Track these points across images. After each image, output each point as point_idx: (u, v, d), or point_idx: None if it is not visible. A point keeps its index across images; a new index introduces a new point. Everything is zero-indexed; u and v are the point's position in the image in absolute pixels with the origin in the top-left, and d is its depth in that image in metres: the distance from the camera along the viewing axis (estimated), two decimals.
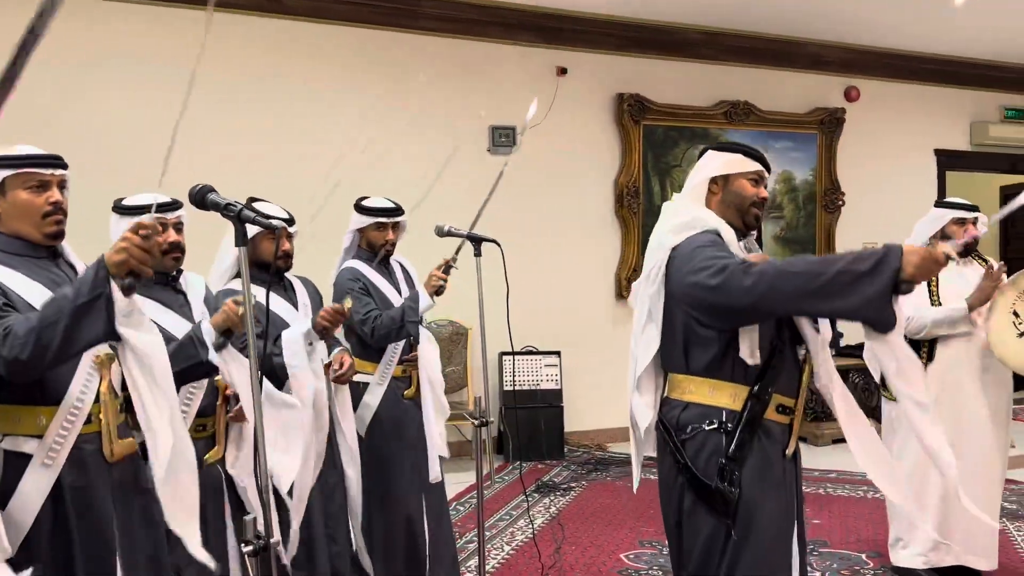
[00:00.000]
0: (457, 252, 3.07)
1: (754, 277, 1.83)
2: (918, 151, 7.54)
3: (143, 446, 2.12)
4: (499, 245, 2.87)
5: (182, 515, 1.75)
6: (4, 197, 1.89)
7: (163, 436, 1.72)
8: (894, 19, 6.42)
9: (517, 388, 5.81)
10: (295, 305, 2.90)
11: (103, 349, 1.89)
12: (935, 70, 7.44)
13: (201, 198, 1.77)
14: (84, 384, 1.87)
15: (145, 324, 1.75)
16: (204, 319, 2.23)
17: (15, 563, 1.70)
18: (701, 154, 2.22)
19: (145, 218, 1.67)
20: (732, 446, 1.96)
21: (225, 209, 1.73)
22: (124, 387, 1.93)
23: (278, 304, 2.82)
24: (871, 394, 6.49)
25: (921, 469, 3.35)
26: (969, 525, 3.31)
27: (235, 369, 2.18)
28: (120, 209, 2.35)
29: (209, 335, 2.16)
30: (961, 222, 3.37)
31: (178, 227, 2.36)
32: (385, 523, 3.17)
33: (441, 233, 2.96)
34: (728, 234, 2.06)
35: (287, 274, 2.97)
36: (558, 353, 6.00)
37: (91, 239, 2.29)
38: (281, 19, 5.46)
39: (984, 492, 3.28)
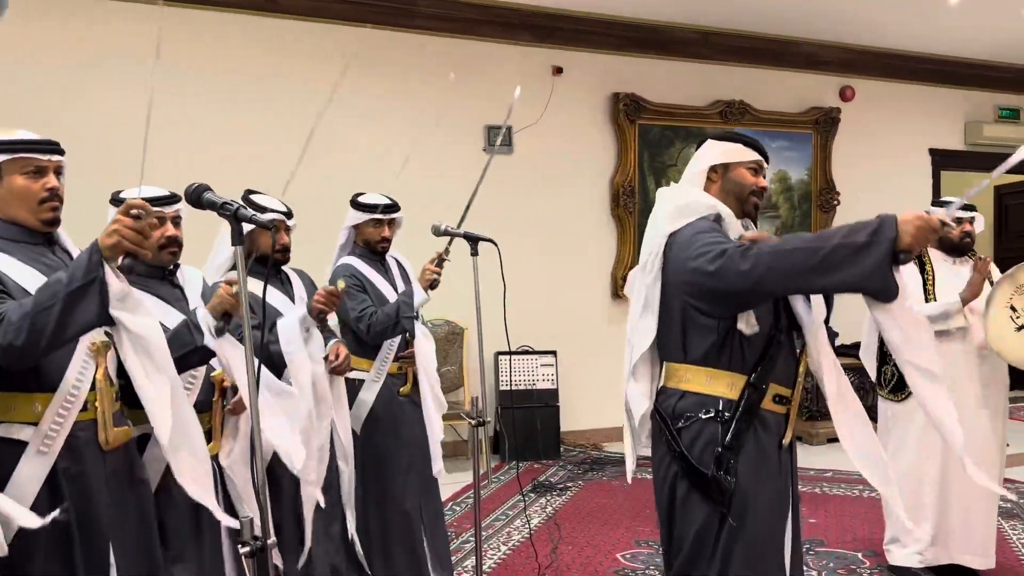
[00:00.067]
0: (449, 245, 3.06)
1: (751, 260, 1.82)
2: (913, 151, 7.56)
3: (140, 439, 2.13)
4: (496, 244, 2.87)
5: (195, 488, 1.79)
6: (0, 182, 1.88)
7: (162, 418, 1.73)
8: (889, 19, 6.43)
9: (513, 388, 5.80)
10: (292, 298, 2.89)
11: (99, 336, 1.89)
12: (930, 70, 7.46)
13: (197, 197, 1.76)
14: (80, 371, 1.86)
15: (141, 308, 1.75)
16: (199, 306, 2.22)
17: (13, 550, 1.70)
18: (700, 144, 2.22)
19: (132, 197, 1.66)
20: (728, 435, 1.96)
21: (221, 208, 1.72)
22: (120, 374, 1.93)
23: (275, 297, 2.80)
24: (866, 394, 6.49)
25: (917, 468, 3.36)
26: (966, 524, 3.32)
27: (233, 357, 2.16)
28: (118, 203, 2.33)
29: (204, 320, 2.14)
30: (958, 221, 3.38)
31: (176, 221, 2.35)
32: (383, 521, 3.16)
33: (438, 232, 2.96)
34: (727, 214, 2.06)
35: (283, 267, 2.96)
36: (554, 353, 6.00)
37: (91, 238, 2.27)
38: (279, 19, 5.45)
39: (982, 489, 3.29)
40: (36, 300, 1.68)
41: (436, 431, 3.16)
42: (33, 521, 1.67)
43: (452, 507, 4.66)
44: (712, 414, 1.99)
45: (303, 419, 2.48)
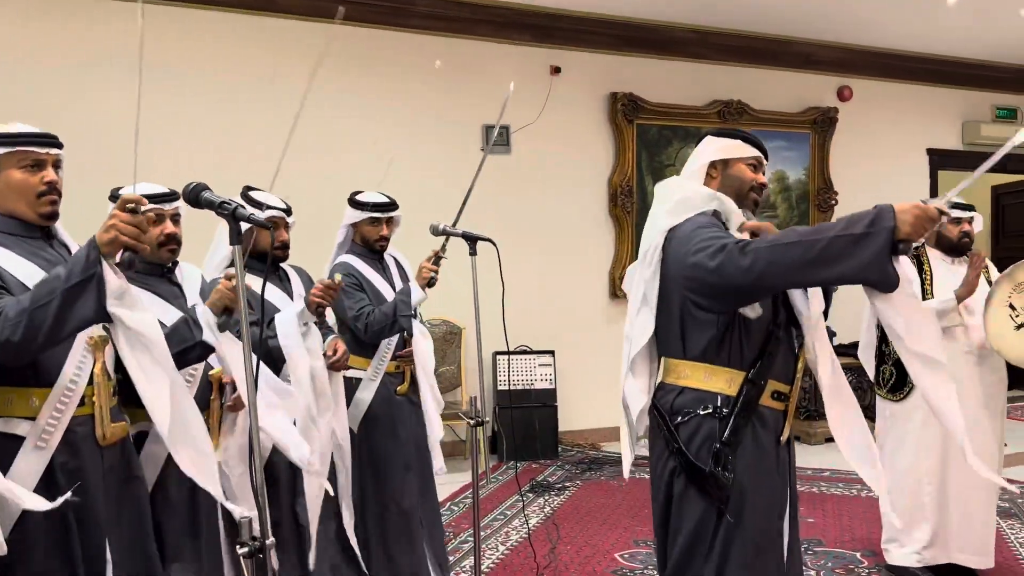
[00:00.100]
0: (445, 243, 3.06)
1: (751, 256, 1.82)
2: (911, 150, 7.56)
3: (137, 437, 2.12)
4: (494, 244, 2.86)
5: (199, 474, 1.80)
6: None
7: (161, 413, 1.73)
8: (887, 19, 6.44)
9: (511, 388, 5.79)
10: (290, 295, 2.88)
11: (97, 331, 1.89)
12: (927, 70, 7.47)
13: (195, 196, 1.75)
14: (78, 366, 1.85)
15: (138, 304, 1.75)
16: (200, 304, 2.21)
17: (12, 546, 1.70)
18: (699, 140, 2.22)
19: (128, 192, 1.66)
20: (727, 431, 1.96)
21: (219, 207, 1.72)
22: (118, 369, 1.92)
23: (273, 293, 2.80)
24: (864, 393, 6.49)
25: (915, 468, 3.36)
26: (964, 523, 3.32)
27: (232, 354, 2.16)
28: (116, 199, 2.32)
29: (204, 316, 2.14)
30: (957, 221, 3.38)
31: (175, 219, 2.34)
32: (383, 521, 3.15)
33: (436, 232, 2.95)
34: (728, 205, 2.06)
35: (282, 264, 2.95)
36: (552, 352, 5.99)
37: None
38: (275, 18, 5.44)
39: (981, 488, 3.29)
40: (33, 296, 1.67)
41: (436, 430, 3.16)
42: (40, 504, 1.67)
43: (450, 507, 4.66)
44: (710, 410, 1.99)
45: (302, 415, 2.47)
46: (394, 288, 3.28)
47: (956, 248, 3.40)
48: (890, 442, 3.45)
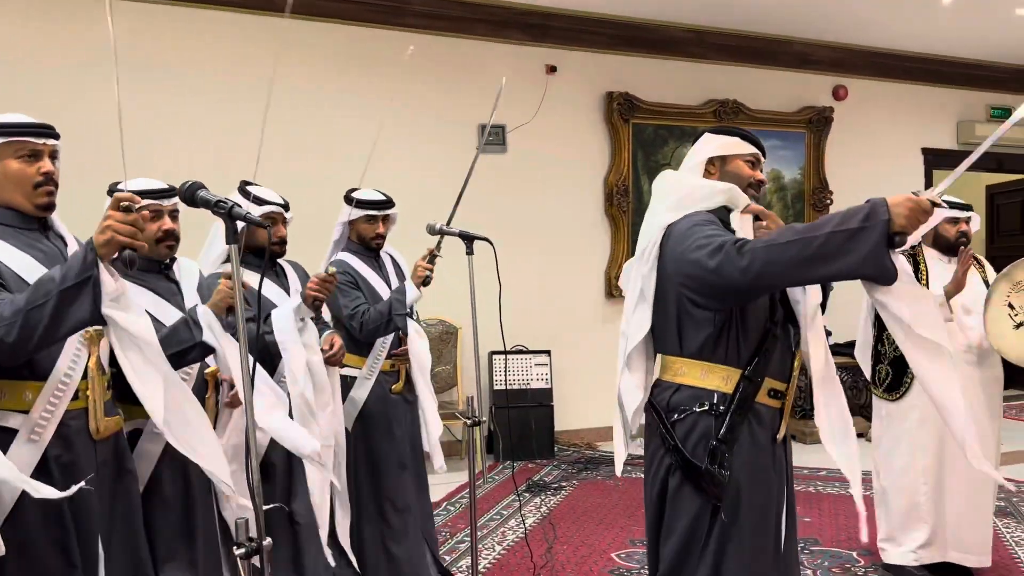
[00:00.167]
0: (440, 241, 3.06)
1: (748, 256, 1.82)
2: (906, 150, 7.58)
3: (131, 434, 2.11)
4: (491, 243, 2.86)
5: (208, 466, 1.81)
6: None
7: (156, 410, 1.73)
8: (882, 18, 6.45)
9: (507, 387, 5.79)
10: (287, 290, 2.87)
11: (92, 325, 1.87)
12: (922, 69, 7.48)
13: (191, 195, 1.75)
14: (72, 360, 1.84)
15: (133, 306, 1.74)
16: (201, 304, 2.20)
17: (7, 538, 1.69)
18: (697, 138, 2.22)
19: (121, 191, 1.65)
20: (723, 429, 1.96)
21: (215, 206, 1.71)
22: (112, 362, 1.91)
23: (270, 289, 2.79)
24: (859, 392, 6.52)
25: (911, 467, 3.36)
26: (962, 522, 3.32)
27: (230, 351, 2.15)
28: (113, 193, 2.31)
29: (204, 317, 2.13)
30: (954, 221, 3.38)
31: (173, 215, 2.32)
32: (381, 521, 3.15)
33: (433, 231, 2.94)
34: (735, 192, 2.06)
35: (278, 260, 2.93)
36: (548, 352, 5.99)
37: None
38: (276, 17, 5.43)
39: (979, 487, 3.30)
40: (29, 297, 1.66)
41: (434, 429, 3.16)
42: (52, 492, 1.66)
43: (446, 507, 4.65)
44: (706, 407, 1.99)
45: (297, 404, 2.46)
46: (390, 286, 3.27)
47: (953, 247, 3.40)
48: (886, 441, 3.45)
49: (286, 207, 2.83)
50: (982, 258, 3.58)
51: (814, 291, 2.04)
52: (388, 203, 3.26)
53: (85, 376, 1.87)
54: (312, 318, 2.68)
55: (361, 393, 3.16)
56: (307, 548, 2.76)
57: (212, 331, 2.13)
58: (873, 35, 6.88)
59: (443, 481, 4.39)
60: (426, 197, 4.93)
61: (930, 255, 3.43)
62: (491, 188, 5.68)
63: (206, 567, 2.26)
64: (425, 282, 3.09)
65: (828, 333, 2.24)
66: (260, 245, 2.73)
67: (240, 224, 1.71)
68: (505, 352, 5.78)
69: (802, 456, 5.51)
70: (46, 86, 4.77)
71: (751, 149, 2.16)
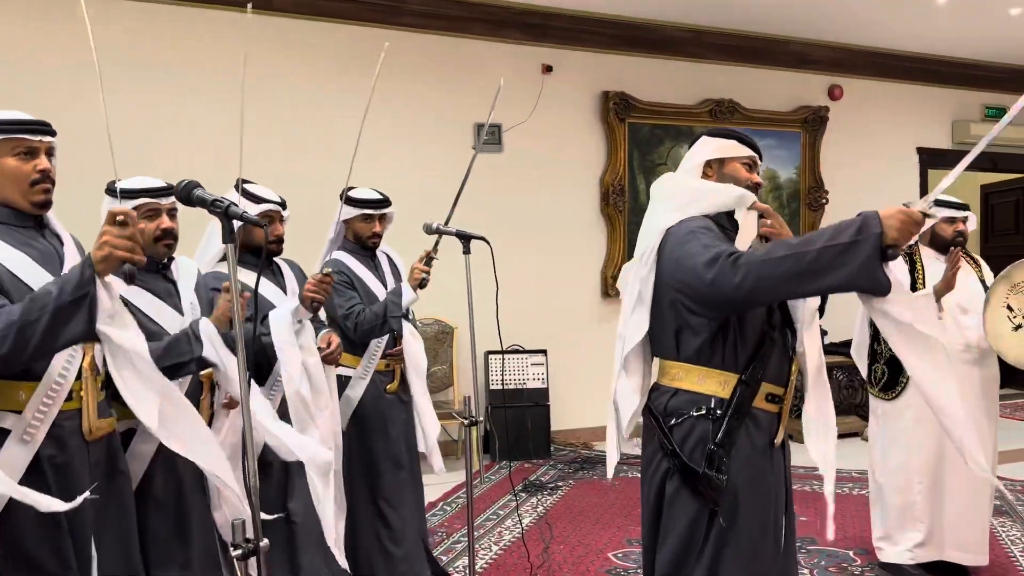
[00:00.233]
0: (437, 243, 3.05)
1: (742, 271, 1.82)
2: (901, 149, 7.59)
3: (125, 434, 2.10)
4: (488, 243, 2.85)
5: (209, 467, 1.81)
6: None
7: (149, 419, 1.73)
8: (878, 18, 6.46)
9: (504, 387, 5.78)
10: (284, 289, 2.86)
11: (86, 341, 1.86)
12: (918, 69, 7.49)
13: (187, 194, 1.73)
14: (67, 360, 1.83)
15: (129, 323, 1.74)
16: (203, 318, 2.19)
17: (3, 543, 1.69)
18: (694, 140, 2.22)
19: (118, 202, 1.65)
20: (720, 433, 1.96)
21: (212, 205, 1.69)
22: (106, 363, 1.90)
23: (267, 289, 2.78)
24: (855, 391, 6.52)
25: (907, 466, 3.37)
26: (959, 521, 3.33)
27: (231, 367, 2.14)
28: (112, 192, 2.30)
29: (206, 330, 2.12)
30: (951, 220, 3.38)
31: (171, 213, 2.30)
32: (379, 521, 3.14)
33: (430, 231, 2.94)
34: (743, 195, 2.06)
35: (275, 258, 2.92)
36: (544, 352, 5.98)
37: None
38: (276, 17, 5.42)
39: (978, 486, 3.30)
40: (24, 310, 1.65)
41: (432, 431, 3.15)
42: (59, 505, 1.65)
43: (442, 507, 4.64)
44: (704, 411, 1.99)
45: (294, 403, 2.46)
46: (386, 286, 3.26)
47: (950, 247, 3.40)
48: (882, 441, 3.45)
49: (283, 205, 2.82)
50: (978, 257, 3.59)
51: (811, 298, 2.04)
52: (384, 202, 3.25)
53: (79, 377, 1.86)
54: (310, 319, 2.67)
55: (356, 393, 3.15)
56: (303, 548, 2.75)
57: (213, 345, 2.12)
58: (868, 35, 6.89)
59: (440, 481, 4.38)
60: (423, 196, 4.93)
61: (926, 254, 3.43)
62: (487, 188, 5.67)
63: (203, 568, 2.24)
64: (421, 284, 3.09)
65: (824, 332, 2.25)
66: (257, 244, 2.72)
67: (237, 223, 1.69)
68: (502, 352, 5.77)
69: (798, 455, 5.49)
70: (46, 86, 4.76)
71: (748, 152, 2.16)
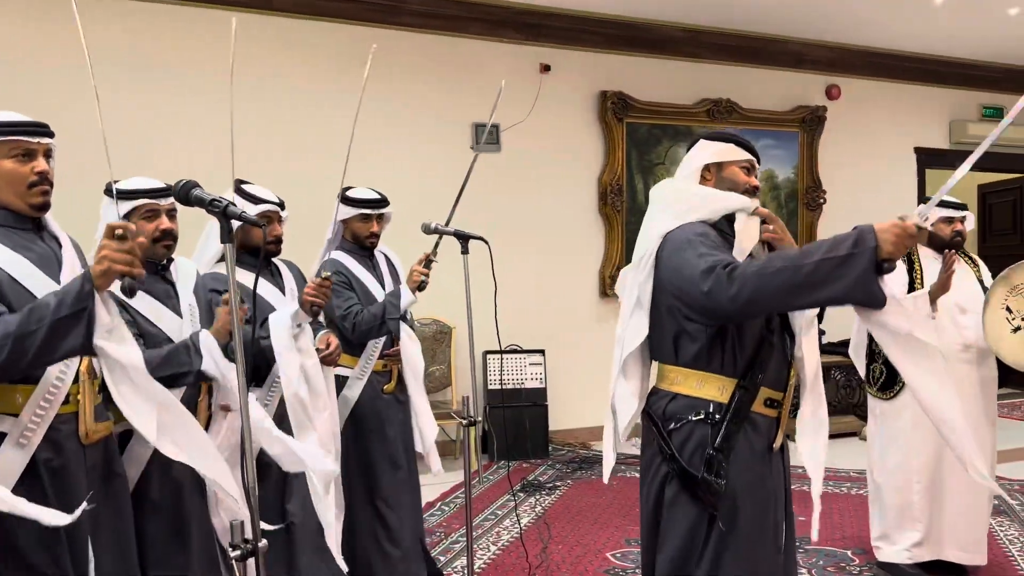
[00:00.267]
0: (436, 246, 3.05)
1: (738, 283, 1.83)
2: (898, 149, 7.60)
3: (122, 436, 2.09)
4: (487, 243, 2.85)
5: (211, 474, 1.81)
6: None
7: (147, 431, 1.72)
8: (876, 18, 6.46)
9: (502, 387, 5.78)
10: (282, 290, 2.85)
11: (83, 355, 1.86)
12: (915, 69, 7.50)
13: (185, 194, 1.73)
14: (64, 364, 1.82)
15: (127, 338, 1.73)
16: (204, 330, 2.17)
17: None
18: (691, 144, 2.22)
19: (114, 219, 1.65)
20: (719, 438, 1.97)
21: (210, 205, 1.69)
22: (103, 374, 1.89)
23: (266, 289, 2.77)
24: (853, 391, 6.53)
25: (905, 466, 3.37)
26: (958, 521, 3.33)
27: (231, 380, 2.14)
28: (110, 192, 2.29)
29: (206, 343, 2.11)
30: (949, 220, 3.38)
31: (171, 214, 2.28)
32: (378, 522, 3.14)
33: (428, 231, 2.93)
34: (742, 200, 2.06)
35: (273, 259, 2.91)
36: (542, 352, 5.98)
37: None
38: (276, 17, 5.42)
39: (978, 487, 3.30)
40: (22, 321, 1.64)
41: (429, 433, 3.15)
42: (61, 519, 1.64)
43: (441, 507, 4.64)
44: (702, 416, 1.99)
45: (292, 406, 2.45)
46: (383, 286, 3.26)
47: (948, 246, 3.41)
48: (880, 440, 3.46)
49: (282, 206, 2.82)
50: (976, 257, 3.59)
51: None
52: (383, 202, 3.25)
53: (76, 380, 1.85)
54: (310, 322, 2.66)
55: (353, 393, 3.15)
56: (302, 549, 2.75)
57: (213, 357, 2.11)
58: (866, 35, 6.90)
59: (438, 481, 4.38)
60: (420, 196, 4.94)
61: (925, 253, 3.43)
62: (485, 187, 5.66)
63: (202, 571, 2.23)
64: (420, 287, 3.08)
65: (822, 332, 2.26)
66: (255, 244, 2.71)
67: (235, 223, 1.69)
68: (500, 352, 5.77)
69: (795, 455, 5.51)
70: (46, 86, 4.75)
71: (746, 155, 2.16)
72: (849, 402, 6.51)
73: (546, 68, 6.17)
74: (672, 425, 2.02)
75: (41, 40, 4.85)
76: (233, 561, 1.54)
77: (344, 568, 2.87)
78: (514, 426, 5.72)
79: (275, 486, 2.69)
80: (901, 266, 3.37)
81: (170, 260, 2.34)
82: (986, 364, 3.37)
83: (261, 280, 2.71)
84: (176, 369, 2.09)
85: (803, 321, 2.07)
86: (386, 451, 3.18)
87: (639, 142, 6.53)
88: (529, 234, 6.13)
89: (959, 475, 3.25)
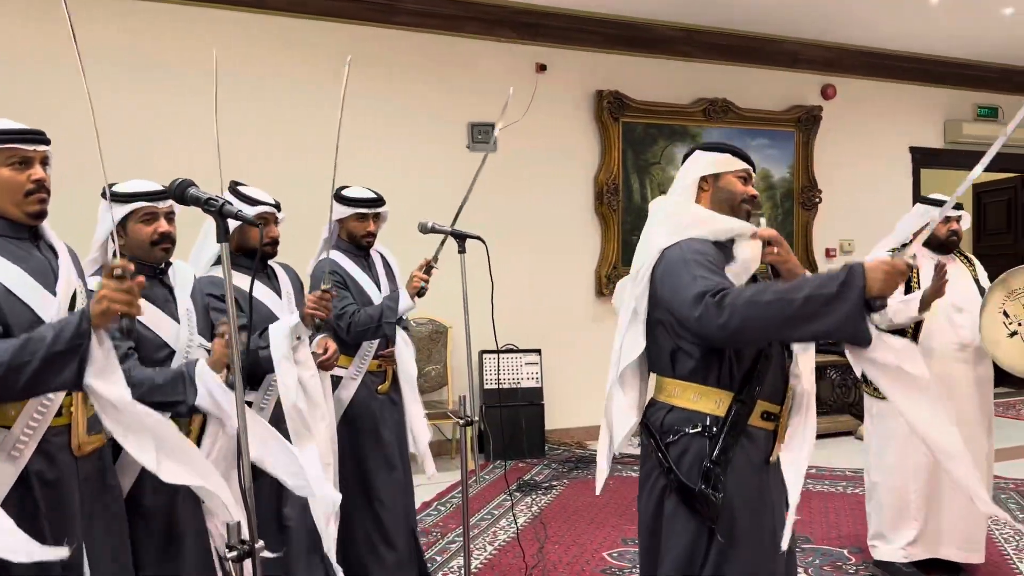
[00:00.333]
0: (438, 252, 3.04)
1: (727, 312, 1.83)
2: (894, 149, 7.61)
3: (115, 446, 2.08)
4: (484, 242, 2.84)
5: (213, 488, 1.81)
6: None
7: (151, 466, 1.74)
8: (871, 18, 6.47)
9: (498, 387, 5.78)
10: (278, 293, 2.83)
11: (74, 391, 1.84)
12: (910, 68, 7.52)
13: (181, 193, 1.72)
14: None
15: (118, 380, 1.73)
16: (200, 360, 2.15)
17: None
18: (687, 156, 2.21)
19: (115, 261, 1.64)
20: (716, 451, 1.97)
21: (206, 204, 1.68)
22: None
23: (262, 292, 2.74)
24: (849, 390, 6.54)
25: (902, 465, 3.37)
26: (956, 519, 3.33)
27: (228, 413, 2.11)
28: (108, 195, 2.27)
29: (203, 378, 2.08)
30: (945, 220, 3.39)
31: (169, 217, 2.26)
32: (373, 523, 3.13)
33: (424, 230, 2.93)
34: (742, 225, 2.06)
35: (269, 261, 2.90)
36: (539, 351, 5.98)
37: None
38: (276, 16, 5.40)
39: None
40: (16, 351, 1.63)
41: (422, 436, 3.14)
42: (54, 553, 1.59)
43: (436, 507, 4.63)
44: (699, 429, 2.00)
45: (291, 415, 2.44)
46: (379, 286, 3.25)
47: (944, 246, 3.41)
48: (876, 440, 3.46)
49: (278, 207, 2.80)
50: (972, 256, 3.60)
51: None
52: (378, 201, 3.23)
53: (69, 393, 1.83)
54: (310, 333, 2.64)
55: (347, 393, 3.13)
56: (297, 553, 2.74)
57: (208, 389, 2.08)
58: (862, 34, 6.91)
59: (434, 481, 4.37)
60: (417, 195, 4.93)
61: (922, 253, 3.43)
62: (481, 186, 5.63)
63: (197, 574, 2.22)
64: (420, 293, 3.07)
65: None
66: (251, 246, 2.68)
67: (232, 223, 1.68)
68: (496, 351, 5.77)
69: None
70: (46, 86, 4.73)
71: (742, 165, 2.15)
72: (845, 401, 6.52)
73: (542, 68, 6.16)
74: (669, 438, 2.03)
75: (41, 40, 4.83)
76: (230, 563, 1.53)
77: (340, 573, 2.87)
78: (510, 426, 5.71)
79: (271, 491, 2.67)
80: (885, 335, 3.36)
81: (168, 264, 2.31)
82: (983, 363, 3.37)
83: (257, 283, 2.69)
84: (168, 398, 2.06)
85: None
86: (381, 452, 3.17)
87: (635, 141, 6.53)
88: (525, 233, 6.12)
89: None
